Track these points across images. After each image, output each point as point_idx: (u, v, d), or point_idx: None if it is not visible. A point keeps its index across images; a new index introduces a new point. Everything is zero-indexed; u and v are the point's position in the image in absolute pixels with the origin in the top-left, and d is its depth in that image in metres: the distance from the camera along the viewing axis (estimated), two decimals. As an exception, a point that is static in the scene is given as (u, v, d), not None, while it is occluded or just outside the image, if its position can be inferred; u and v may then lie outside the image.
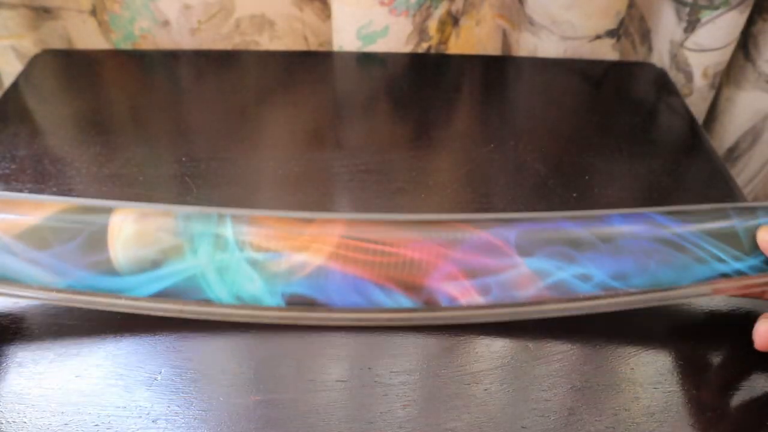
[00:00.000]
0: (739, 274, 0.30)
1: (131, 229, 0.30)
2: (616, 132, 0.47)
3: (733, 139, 0.59)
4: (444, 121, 0.47)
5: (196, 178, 0.41)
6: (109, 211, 0.30)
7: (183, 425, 0.28)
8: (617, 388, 0.30)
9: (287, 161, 0.42)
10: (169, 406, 0.28)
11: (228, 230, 0.30)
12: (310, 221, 0.31)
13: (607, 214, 0.31)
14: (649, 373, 0.31)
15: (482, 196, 0.40)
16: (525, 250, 0.30)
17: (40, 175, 0.40)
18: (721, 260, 0.30)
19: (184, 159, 0.42)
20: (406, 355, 0.31)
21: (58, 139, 0.44)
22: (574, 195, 0.40)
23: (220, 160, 0.42)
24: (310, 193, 0.40)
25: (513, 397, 0.29)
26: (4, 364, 0.30)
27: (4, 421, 0.28)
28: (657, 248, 0.30)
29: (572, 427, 0.28)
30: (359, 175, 0.41)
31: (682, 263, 0.30)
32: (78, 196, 0.39)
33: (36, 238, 0.29)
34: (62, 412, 0.28)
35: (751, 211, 0.31)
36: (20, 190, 0.39)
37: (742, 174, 0.60)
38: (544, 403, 0.29)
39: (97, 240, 0.29)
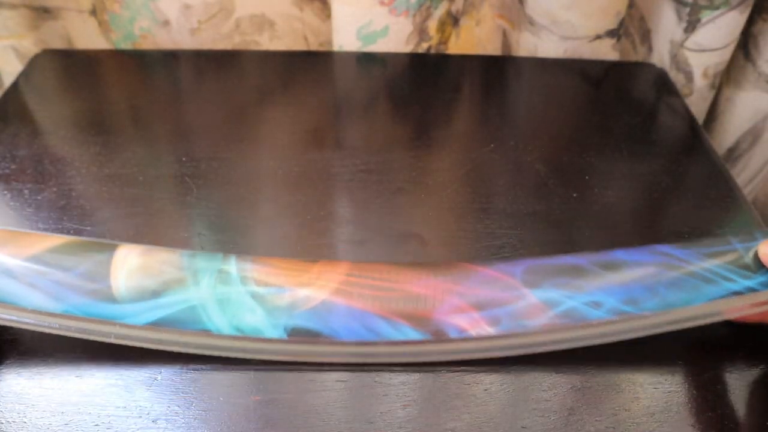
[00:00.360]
0: (751, 290, 0.30)
1: (136, 262, 0.30)
2: (617, 132, 0.47)
3: (733, 139, 0.59)
4: (444, 121, 0.47)
5: (196, 177, 0.41)
6: (114, 246, 0.31)
7: (183, 425, 0.28)
8: (617, 388, 0.30)
9: (287, 161, 0.42)
10: (169, 406, 0.28)
11: (232, 267, 0.30)
12: (313, 263, 0.31)
13: (608, 250, 0.31)
14: (650, 373, 0.31)
15: (482, 197, 0.40)
16: (531, 283, 0.30)
17: (40, 175, 0.40)
18: (729, 279, 0.30)
19: (184, 159, 0.42)
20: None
21: (58, 139, 0.44)
22: (575, 195, 0.40)
23: (220, 159, 0.42)
24: (310, 193, 0.40)
25: (513, 397, 0.29)
26: (4, 364, 0.30)
27: (4, 421, 0.28)
28: (664, 273, 0.30)
29: (572, 427, 0.28)
30: (359, 175, 0.41)
31: (691, 285, 0.30)
32: (78, 196, 0.39)
33: (39, 262, 0.30)
34: (62, 412, 0.28)
35: (749, 233, 0.31)
36: (20, 190, 0.39)
37: (743, 174, 0.60)
38: (544, 403, 0.29)
39: (100, 269, 0.30)
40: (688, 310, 0.30)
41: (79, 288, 0.29)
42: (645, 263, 0.30)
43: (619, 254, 0.31)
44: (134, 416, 0.28)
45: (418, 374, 0.30)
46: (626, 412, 0.29)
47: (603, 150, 0.45)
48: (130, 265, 0.30)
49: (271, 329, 0.29)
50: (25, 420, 0.28)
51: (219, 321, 0.29)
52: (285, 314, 0.29)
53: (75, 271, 0.29)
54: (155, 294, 0.29)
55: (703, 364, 0.31)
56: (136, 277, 0.29)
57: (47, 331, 0.29)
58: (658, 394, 0.30)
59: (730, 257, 0.30)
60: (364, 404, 0.29)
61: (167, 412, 0.28)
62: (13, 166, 0.41)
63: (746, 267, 0.30)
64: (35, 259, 0.30)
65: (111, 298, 0.29)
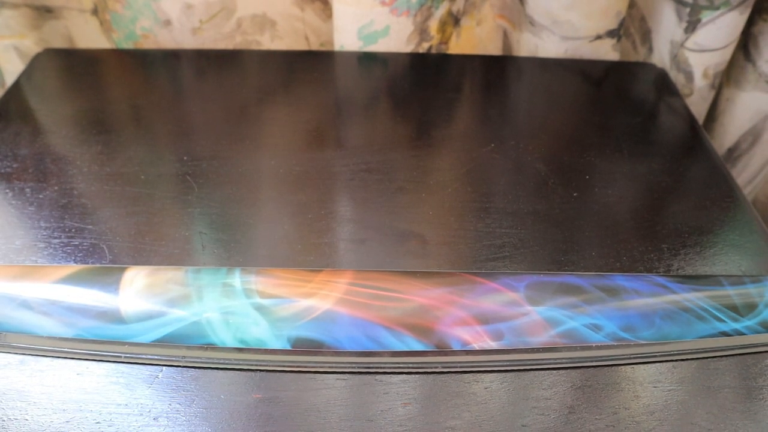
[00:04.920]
0: (738, 333, 0.31)
1: (143, 282, 0.31)
2: (617, 132, 0.47)
3: (734, 139, 0.59)
4: (445, 120, 0.47)
5: (197, 177, 0.41)
6: (123, 269, 0.32)
7: (184, 423, 0.28)
8: (617, 387, 0.30)
9: (288, 160, 0.42)
10: (170, 404, 0.29)
11: (236, 280, 0.31)
12: (317, 272, 0.31)
13: (609, 274, 0.33)
14: (649, 372, 0.31)
15: (483, 196, 0.40)
16: (534, 300, 0.31)
17: (41, 174, 0.40)
18: (719, 319, 0.31)
19: (185, 158, 0.42)
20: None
21: (60, 138, 0.44)
22: (575, 195, 0.41)
23: (221, 159, 0.42)
24: (311, 192, 0.40)
25: (513, 396, 0.29)
26: (6, 362, 0.30)
27: (6, 419, 0.28)
28: (659, 304, 0.32)
29: (572, 426, 0.28)
30: (360, 174, 0.41)
31: (685, 319, 0.31)
32: (79, 195, 0.39)
33: (52, 292, 0.31)
34: (64, 410, 0.28)
35: (739, 278, 0.33)
36: (22, 189, 0.39)
37: (743, 174, 0.60)
38: (545, 401, 0.29)
39: (109, 292, 0.31)
40: (681, 344, 0.31)
41: (88, 312, 0.30)
42: (643, 292, 0.32)
43: (618, 279, 0.33)
44: (135, 414, 0.28)
45: (418, 373, 0.30)
46: (626, 410, 0.29)
47: (603, 150, 0.45)
48: (138, 286, 0.31)
49: (275, 340, 0.30)
50: (27, 417, 0.28)
51: (223, 334, 0.30)
52: (288, 325, 0.30)
53: (85, 296, 0.31)
54: (161, 311, 0.30)
55: (703, 361, 0.31)
56: (142, 297, 0.30)
57: (61, 356, 0.30)
58: (658, 393, 0.30)
59: (721, 298, 0.32)
60: (365, 402, 0.29)
61: (168, 409, 0.28)
62: (15, 165, 0.41)
63: (735, 309, 0.32)
64: (49, 288, 0.31)
65: (119, 319, 0.30)
